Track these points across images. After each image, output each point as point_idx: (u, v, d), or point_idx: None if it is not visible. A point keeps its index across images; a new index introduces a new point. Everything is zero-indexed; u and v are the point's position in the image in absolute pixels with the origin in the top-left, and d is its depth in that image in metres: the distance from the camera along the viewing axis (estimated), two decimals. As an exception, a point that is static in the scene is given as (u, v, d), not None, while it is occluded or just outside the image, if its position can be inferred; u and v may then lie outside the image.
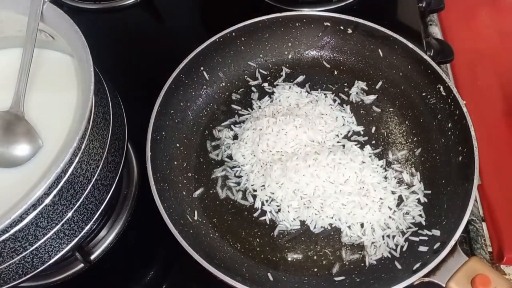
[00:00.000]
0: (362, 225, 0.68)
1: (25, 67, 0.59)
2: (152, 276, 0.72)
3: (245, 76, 0.84)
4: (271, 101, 0.80)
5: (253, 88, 0.83)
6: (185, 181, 0.74)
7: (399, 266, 0.64)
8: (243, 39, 0.82)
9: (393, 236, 0.68)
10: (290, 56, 0.85)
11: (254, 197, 0.72)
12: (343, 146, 0.75)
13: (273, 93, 0.82)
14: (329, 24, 0.82)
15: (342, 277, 0.65)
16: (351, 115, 0.79)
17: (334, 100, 0.80)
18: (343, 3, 0.96)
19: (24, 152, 0.58)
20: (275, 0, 0.97)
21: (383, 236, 0.68)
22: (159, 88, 0.74)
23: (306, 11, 0.84)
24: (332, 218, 0.69)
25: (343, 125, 0.77)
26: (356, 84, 0.82)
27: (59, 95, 0.64)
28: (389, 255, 0.66)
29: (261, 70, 0.84)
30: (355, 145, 0.75)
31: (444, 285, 0.59)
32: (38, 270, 0.56)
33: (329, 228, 0.69)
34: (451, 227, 0.63)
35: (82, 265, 0.69)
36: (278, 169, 0.70)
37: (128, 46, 0.95)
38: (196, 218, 0.70)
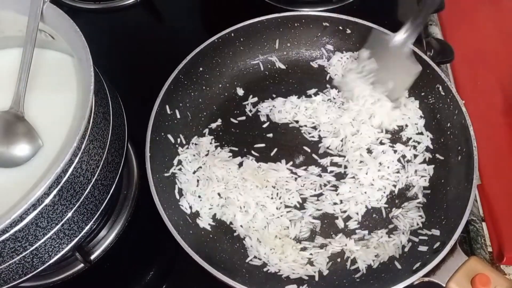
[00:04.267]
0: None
1: (25, 67, 0.59)
2: (152, 276, 0.72)
3: (245, 77, 0.84)
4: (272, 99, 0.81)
5: (252, 88, 0.83)
6: (184, 182, 0.74)
7: (399, 266, 0.64)
8: (242, 39, 0.82)
9: (393, 236, 0.68)
10: (289, 56, 0.85)
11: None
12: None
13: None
14: (327, 24, 0.82)
15: (342, 277, 0.66)
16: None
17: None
18: (343, 3, 0.96)
19: (24, 152, 0.58)
20: (275, 0, 0.97)
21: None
22: (159, 87, 0.74)
23: (305, 12, 0.84)
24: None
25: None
26: (356, 84, 0.82)
27: (59, 95, 0.64)
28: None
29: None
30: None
31: (444, 285, 0.59)
32: (38, 270, 0.56)
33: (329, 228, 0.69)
34: (450, 227, 0.63)
35: (82, 265, 0.69)
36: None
37: (128, 46, 0.95)
38: (196, 218, 0.70)
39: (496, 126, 0.83)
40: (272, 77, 0.84)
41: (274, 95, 0.81)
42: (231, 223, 0.69)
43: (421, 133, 0.76)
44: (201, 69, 0.80)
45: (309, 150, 0.75)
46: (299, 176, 0.72)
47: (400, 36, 0.73)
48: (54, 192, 0.51)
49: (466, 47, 0.91)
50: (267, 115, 0.79)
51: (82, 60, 0.55)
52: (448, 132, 0.73)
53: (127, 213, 0.74)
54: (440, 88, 0.74)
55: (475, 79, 0.89)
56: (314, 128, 0.77)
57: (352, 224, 0.69)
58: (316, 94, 0.80)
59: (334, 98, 0.79)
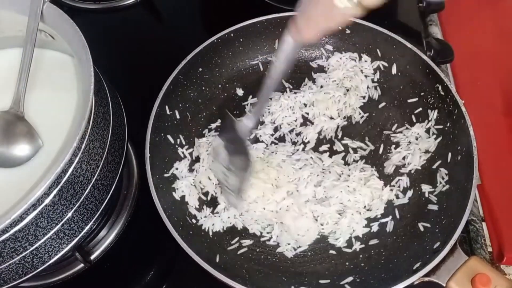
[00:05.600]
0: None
1: (25, 67, 0.60)
2: (152, 276, 0.72)
3: (244, 77, 0.84)
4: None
5: (252, 89, 0.83)
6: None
7: (399, 266, 0.64)
8: (241, 39, 0.82)
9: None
10: (289, 57, 0.85)
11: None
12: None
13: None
14: (328, 24, 0.81)
15: (343, 277, 0.66)
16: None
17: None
18: (342, 3, 0.96)
19: (24, 152, 0.58)
20: (275, 0, 0.97)
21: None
22: (159, 87, 0.74)
23: (305, 11, 0.84)
24: (327, 224, 0.69)
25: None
26: (356, 84, 0.82)
27: (59, 95, 0.64)
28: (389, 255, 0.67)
29: (260, 71, 0.84)
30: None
31: (444, 285, 0.59)
32: (38, 270, 0.56)
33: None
34: (450, 227, 0.63)
35: (82, 265, 0.69)
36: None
37: (128, 46, 0.95)
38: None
39: (496, 126, 0.83)
40: (271, 77, 0.84)
41: (273, 95, 0.81)
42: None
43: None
44: (200, 69, 0.80)
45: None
46: (300, 177, 0.72)
47: (243, 123, 0.64)
48: (54, 192, 0.51)
49: (466, 47, 0.91)
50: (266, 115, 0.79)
51: (82, 60, 0.55)
52: (448, 132, 0.73)
53: (127, 213, 0.74)
54: (440, 88, 0.74)
55: (475, 79, 0.89)
56: (313, 127, 0.78)
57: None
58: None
59: (334, 96, 0.79)
